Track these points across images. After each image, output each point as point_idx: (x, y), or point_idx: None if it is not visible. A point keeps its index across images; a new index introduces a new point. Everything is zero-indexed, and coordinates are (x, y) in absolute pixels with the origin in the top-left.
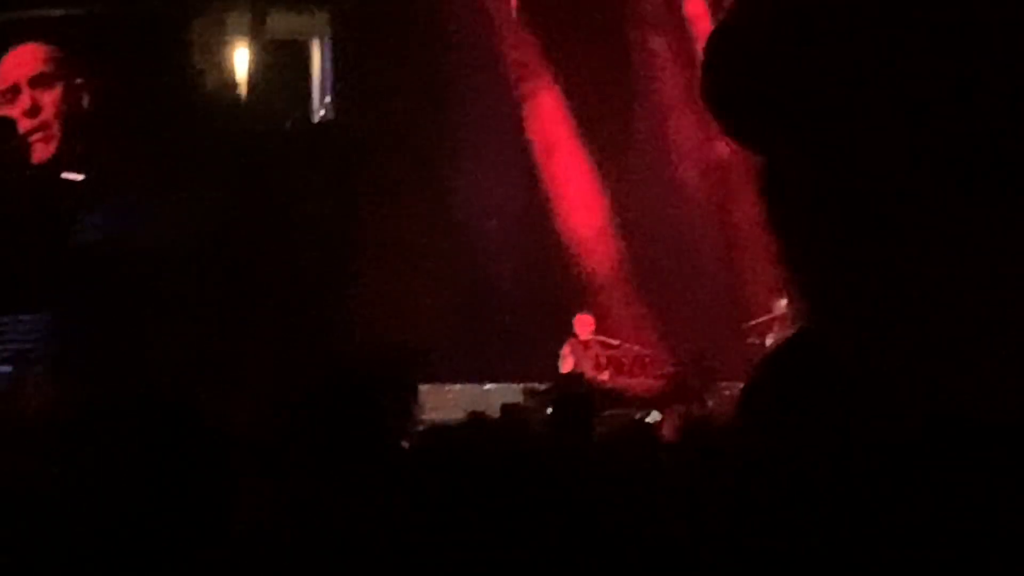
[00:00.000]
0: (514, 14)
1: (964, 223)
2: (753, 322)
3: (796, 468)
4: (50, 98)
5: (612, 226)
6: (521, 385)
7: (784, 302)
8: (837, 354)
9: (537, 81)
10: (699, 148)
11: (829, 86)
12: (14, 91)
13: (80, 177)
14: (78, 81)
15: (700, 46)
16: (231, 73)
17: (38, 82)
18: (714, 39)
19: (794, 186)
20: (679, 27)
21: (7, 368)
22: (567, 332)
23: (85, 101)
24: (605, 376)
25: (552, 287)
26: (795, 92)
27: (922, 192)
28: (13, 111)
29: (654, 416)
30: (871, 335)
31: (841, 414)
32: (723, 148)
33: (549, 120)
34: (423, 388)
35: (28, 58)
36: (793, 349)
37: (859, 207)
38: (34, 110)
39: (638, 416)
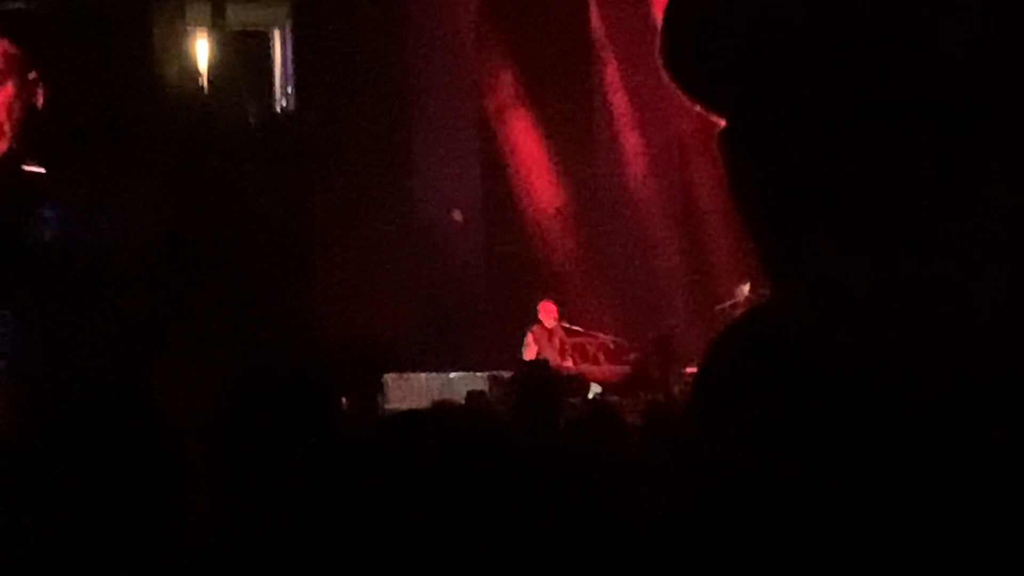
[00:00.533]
0: (475, 11)
1: (934, 194)
2: (717, 307)
3: (753, 451)
4: (1, 96)
5: (574, 213)
6: (486, 373)
7: (747, 287)
8: (798, 334)
9: (497, 70)
10: (661, 132)
11: (791, 47)
12: None
13: (41, 170)
14: (32, 77)
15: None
16: (191, 64)
17: None
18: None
19: (755, 160)
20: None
21: None
22: (531, 319)
23: (39, 98)
24: (569, 363)
25: (515, 275)
26: (755, 52)
27: (889, 162)
28: None
29: (594, 390)
30: (836, 314)
31: (797, 394)
32: (685, 131)
33: (509, 107)
34: (389, 377)
35: None
36: (746, 329)
37: (823, 180)
38: None
39: (594, 397)
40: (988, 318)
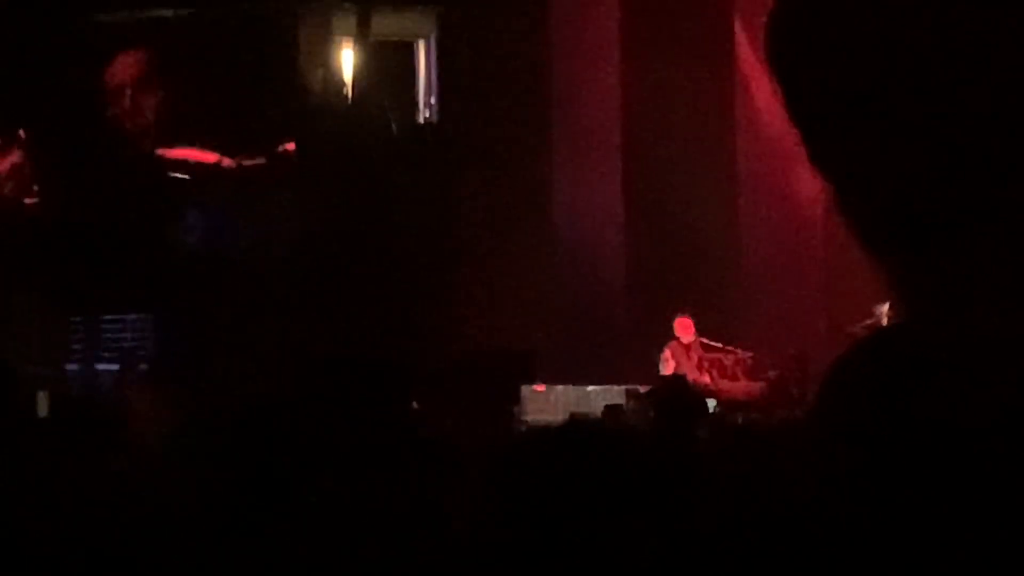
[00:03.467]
0: (617, 16)
1: None
2: (855, 326)
3: (866, 473)
4: (151, 102)
5: (715, 227)
6: (623, 387)
7: (887, 307)
8: (922, 355)
9: (641, 79)
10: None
11: (906, 69)
12: (119, 93)
13: (186, 177)
14: (181, 86)
15: None
16: (336, 74)
17: (141, 86)
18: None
19: (879, 178)
20: None
21: (114, 366)
22: (669, 335)
23: (187, 103)
24: (707, 379)
25: (655, 289)
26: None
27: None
28: (117, 112)
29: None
30: (967, 338)
31: (917, 420)
32: None
33: (653, 116)
34: (527, 389)
35: (134, 61)
36: (869, 349)
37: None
38: (134, 112)
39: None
40: None
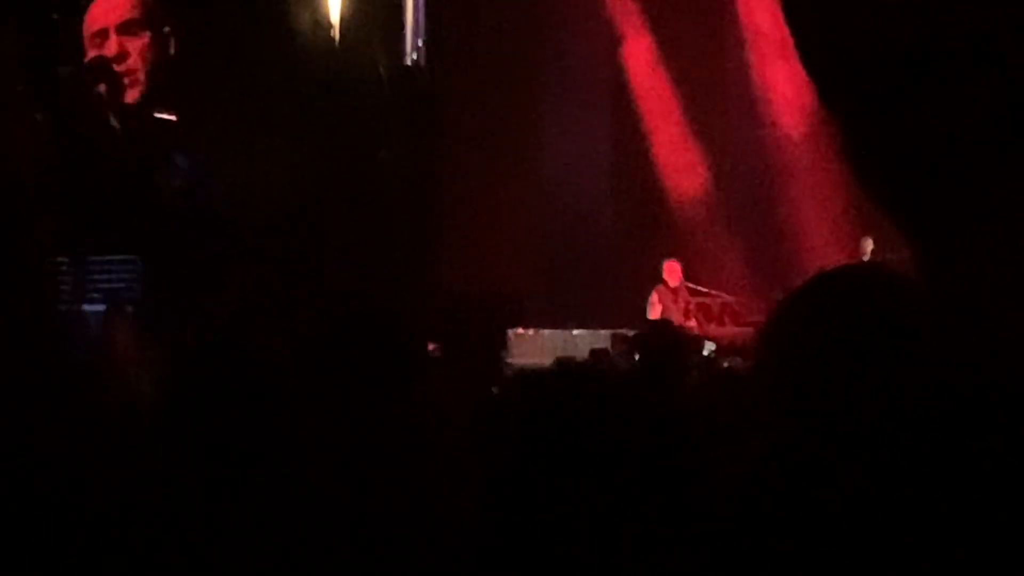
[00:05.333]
0: None
1: None
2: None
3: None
4: (137, 45)
5: (701, 172)
6: (609, 331)
7: (870, 242)
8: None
9: (631, 24)
10: (791, 97)
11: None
12: (102, 35)
13: (172, 117)
14: (165, 28)
15: None
16: (323, 16)
17: (125, 29)
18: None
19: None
20: None
21: (99, 307)
22: (656, 278)
23: (172, 48)
24: (693, 323)
25: (641, 233)
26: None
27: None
28: (104, 54)
29: (708, 347)
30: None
31: (863, 361)
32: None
33: (642, 65)
34: (512, 333)
35: (117, 3)
36: (815, 289)
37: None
38: (121, 56)
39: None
40: None
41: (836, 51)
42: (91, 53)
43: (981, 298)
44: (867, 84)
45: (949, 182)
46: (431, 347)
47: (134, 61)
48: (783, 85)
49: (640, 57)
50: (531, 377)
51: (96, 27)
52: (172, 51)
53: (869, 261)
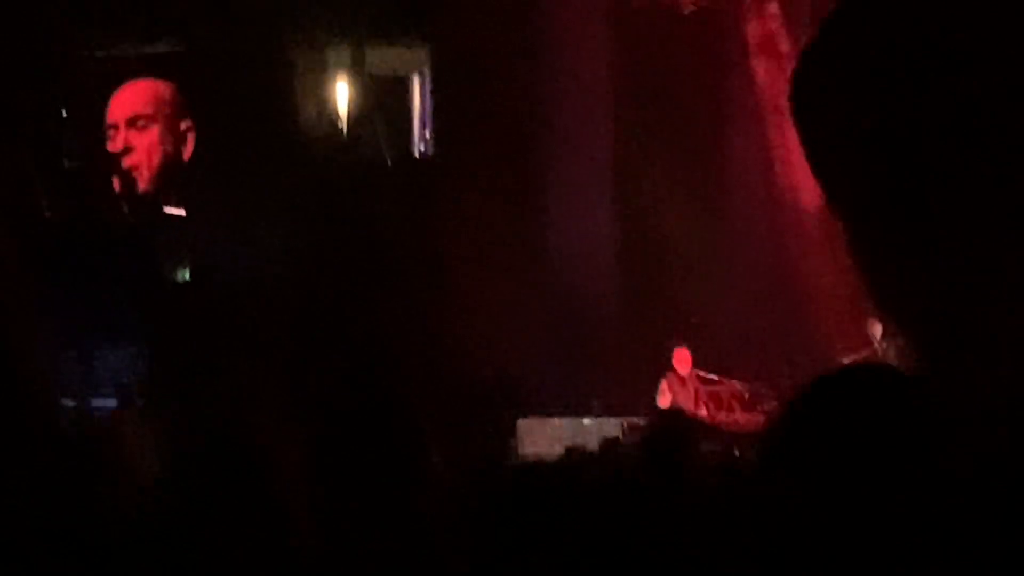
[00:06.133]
0: (609, 51)
1: None
2: (853, 356)
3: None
4: (144, 140)
5: (709, 258)
6: (620, 419)
7: (880, 328)
8: (926, 387)
9: (633, 113)
10: (797, 176)
11: (923, 118)
12: (114, 129)
13: (181, 212)
14: (175, 123)
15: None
16: (331, 107)
17: (133, 123)
18: (805, 61)
19: (884, 215)
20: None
21: (110, 401)
22: (666, 366)
23: (181, 142)
24: (704, 412)
25: (651, 320)
26: (884, 121)
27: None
28: (112, 148)
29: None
30: (971, 367)
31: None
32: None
33: (645, 149)
34: (522, 422)
35: (130, 98)
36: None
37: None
38: (126, 151)
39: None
40: None
41: (845, 156)
42: (105, 146)
43: (989, 394)
44: (875, 186)
45: (959, 288)
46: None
47: (140, 156)
48: (795, 160)
49: (645, 133)
50: (540, 469)
51: (109, 120)
52: (181, 146)
53: (876, 353)
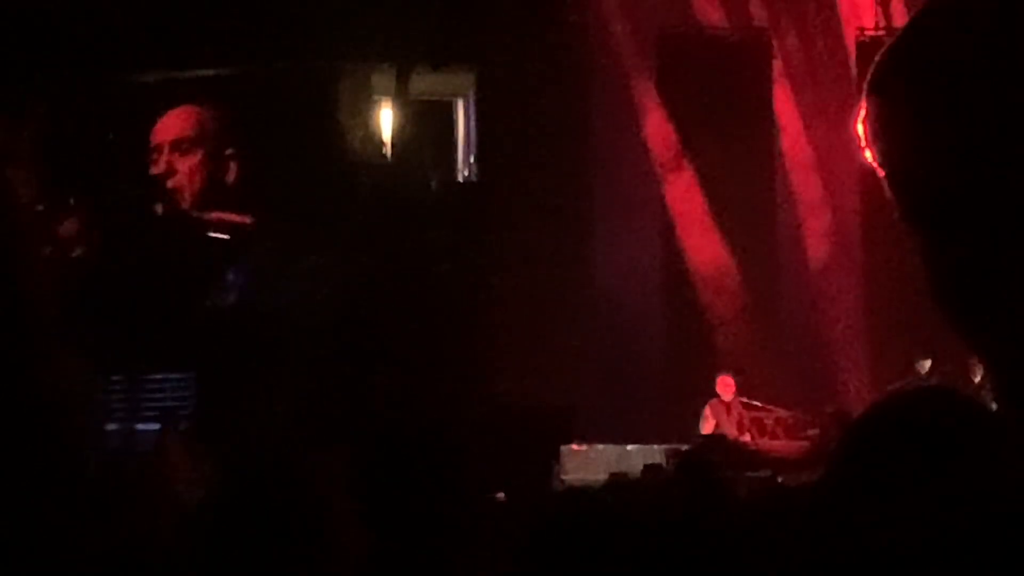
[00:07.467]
0: (655, 86)
1: None
2: (897, 384)
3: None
4: (187, 163)
5: (754, 286)
6: (663, 446)
7: (928, 362)
8: (947, 419)
9: (679, 141)
10: (842, 204)
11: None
12: (158, 151)
13: (225, 237)
14: (220, 147)
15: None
16: (376, 133)
17: (177, 146)
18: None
19: (941, 241)
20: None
21: (155, 426)
22: (710, 393)
23: (227, 165)
24: (747, 438)
25: (695, 347)
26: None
27: None
28: (155, 171)
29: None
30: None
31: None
32: (867, 205)
33: (691, 179)
34: (566, 448)
35: (175, 122)
36: (892, 408)
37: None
38: (168, 173)
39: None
40: None
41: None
42: (150, 171)
43: None
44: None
45: None
46: (498, 495)
47: (182, 178)
48: (831, 187)
49: (681, 185)
50: (584, 495)
51: (154, 142)
52: (225, 171)
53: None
